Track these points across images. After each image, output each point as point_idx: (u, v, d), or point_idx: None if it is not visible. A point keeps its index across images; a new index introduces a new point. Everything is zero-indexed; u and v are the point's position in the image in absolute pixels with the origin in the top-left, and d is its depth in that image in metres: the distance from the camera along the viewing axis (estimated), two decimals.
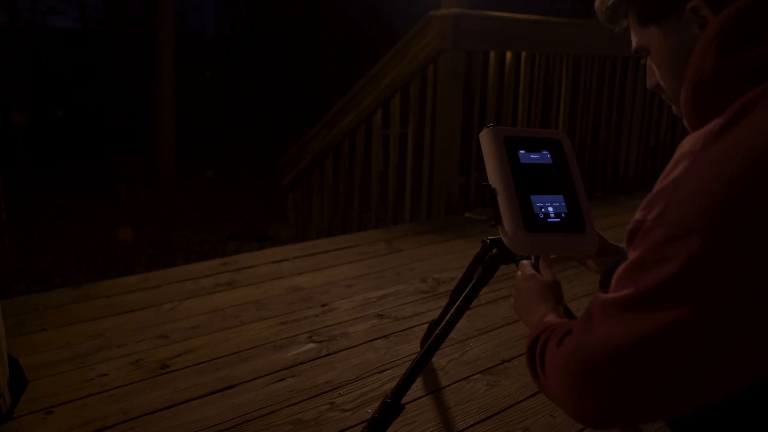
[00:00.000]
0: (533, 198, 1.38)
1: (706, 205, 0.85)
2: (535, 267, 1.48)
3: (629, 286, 0.91)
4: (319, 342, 2.59)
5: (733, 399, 0.91)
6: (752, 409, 0.97)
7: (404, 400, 1.70)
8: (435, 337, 1.67)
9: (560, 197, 1.41)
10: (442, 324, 1.67)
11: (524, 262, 1.51)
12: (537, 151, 1.48)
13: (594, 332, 0.93)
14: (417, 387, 2.24)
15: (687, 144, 0.94)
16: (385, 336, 2.66)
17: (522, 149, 1.46)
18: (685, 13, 1.06)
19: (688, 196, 0.88)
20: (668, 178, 0.93)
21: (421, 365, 1.70)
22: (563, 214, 1.39)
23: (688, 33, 1.07)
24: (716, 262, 0.83)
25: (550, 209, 1.38)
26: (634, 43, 1.21)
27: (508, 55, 4.77)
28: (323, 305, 2.95)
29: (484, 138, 1.47)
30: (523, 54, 4.88)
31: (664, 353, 0.86)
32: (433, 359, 2.37)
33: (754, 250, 0.82)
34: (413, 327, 2.74)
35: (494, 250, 1.63)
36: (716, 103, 0.95)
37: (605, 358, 0.90)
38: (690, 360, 0.85)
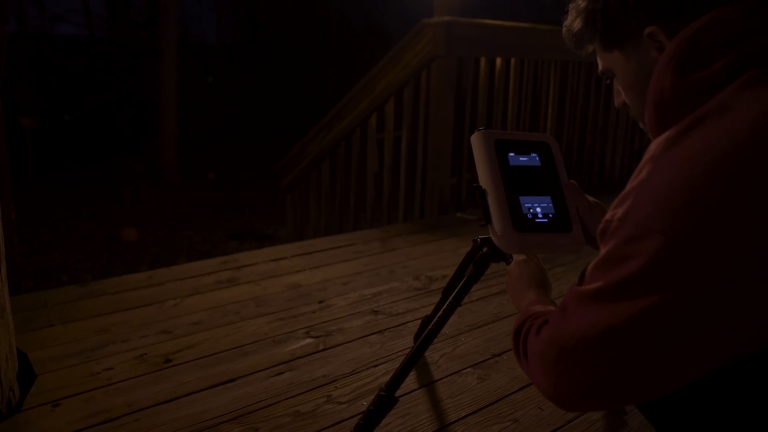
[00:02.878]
0: (522, 199, 1.38)
1: (664, 207, 0.89)
2: None
3: (599, 279, 0.95)
4: (317, 337, 2.59)
5: (698, 384, 0.94)
6: (718, 393, 1.00)
7: (398, 393, 1.70)
8: (428, 332, 1.67)
9: (548, 198, 1.41)
10: (435, 320, 1.67)
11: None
12: (526, 153, 1.48)
13: (568, 322, 0.98)
14: (410, 380, 2.24)
15: (652, 148, 0.99)
16: (379, 331, 2.66)
17: (511, 152, 1.46)
18: (643, 38, 1.11)
19: (649, 199, 0.92)
20: (635, 180, 0.97)
21: (415, 359, 1.70)
22: (551, 215, 1.39)
23: (648, 56, 1.12)
24: (674, 259, 0.87)
25: (538, 210, 1.38)
26: (600, 67, 1.26)
27: (498, 61, 4.78)
28: (320, 302, 2.95)
29: (475, 141, 1.47)
30: (513, 60, 4.88)
31: (630, 341, 0.90)
32: (426, 354, 2.38)
33: (706, 248, 0.85)
34: (407, 323, 2.74)
35: (484, 249, 1.63)
36: (676, 118, 0.99)
37: (578, 346, 0.95)
38: (654, 347, 0.89)
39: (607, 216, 0.98)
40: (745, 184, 0.84)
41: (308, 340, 2.56)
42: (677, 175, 0.90)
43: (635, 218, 0.92)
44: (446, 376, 2.30)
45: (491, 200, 1.38)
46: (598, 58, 1.25)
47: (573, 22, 1.23)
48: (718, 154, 0.87)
